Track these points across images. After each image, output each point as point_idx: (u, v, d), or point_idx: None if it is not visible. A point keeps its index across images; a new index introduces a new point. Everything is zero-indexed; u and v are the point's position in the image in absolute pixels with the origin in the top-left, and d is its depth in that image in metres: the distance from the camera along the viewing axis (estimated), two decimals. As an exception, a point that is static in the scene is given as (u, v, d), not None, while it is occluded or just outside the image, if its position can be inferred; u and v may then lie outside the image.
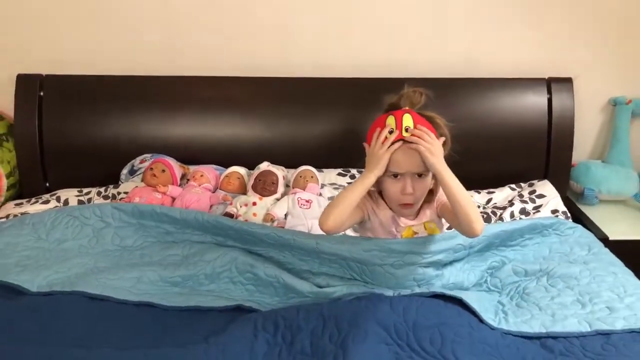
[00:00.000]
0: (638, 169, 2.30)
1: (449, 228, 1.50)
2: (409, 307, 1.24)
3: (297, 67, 2.21)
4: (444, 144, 1.33)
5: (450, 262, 1.45)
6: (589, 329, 1.25)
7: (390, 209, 1.41)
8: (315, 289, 1.39)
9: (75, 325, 1.25)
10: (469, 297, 1.34)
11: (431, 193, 1.42)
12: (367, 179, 1.31)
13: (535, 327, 1.27)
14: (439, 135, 1.33)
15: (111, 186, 2.05)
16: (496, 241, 1.56)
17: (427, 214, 1.44)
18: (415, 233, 1.42)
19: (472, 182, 2.06)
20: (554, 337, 1.23)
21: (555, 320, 1.29)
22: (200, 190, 1.92)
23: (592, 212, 2.11)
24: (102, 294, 1.36)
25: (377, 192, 1.43)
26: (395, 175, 1.33)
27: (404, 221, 1.42)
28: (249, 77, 2.19)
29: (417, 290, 1.36)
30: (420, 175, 1.33)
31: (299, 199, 1.88)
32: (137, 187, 1.93)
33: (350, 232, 1.57)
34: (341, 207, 1.29)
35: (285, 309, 1.29)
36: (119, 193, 1.98)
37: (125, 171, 2.11)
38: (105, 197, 1.99)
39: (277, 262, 1.50)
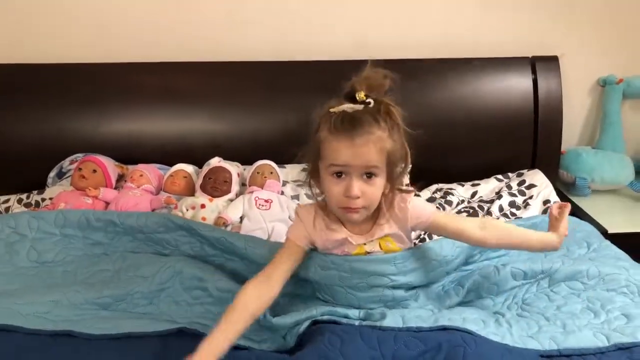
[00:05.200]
0: (632, 154, 2.17)
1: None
2: (385, 337, 1.06)
3: (252, 50, 2.02)
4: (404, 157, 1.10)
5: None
6: (607, 343, 1.09)
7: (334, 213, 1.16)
8: (269, 318, 1.17)
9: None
10: (468, 319, 1.14)
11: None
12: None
13: (544, 342, 1.09)
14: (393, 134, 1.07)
15: (35, 192, 1.84)
16: (475, 252, 1.40)
17: (384, 228, 1.16)
18: (368, 253, 1.17)
19: (453, 175, 1.95)
20: (568, 355, 1.07)
21: (566, 332, 1.12)
22: (140, 192, 1.73)
23: (585, 204, 1.98)
24: (6, 324, 1.15)
25: (321, 201, 1.17)
26: (339, 174, 1.06)
27: (355, 239, 1.16)
28: (196, 62, 2.00)
29: (386, 310, 1.16)
30: (370, 175, 1.06)
31: (257, 198, 1.67)
32: (63, 191, 1.73)
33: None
34: None
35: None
36: (43, 200, 1.80)
37: (52, 174, 1.90)
38: (27, 205, 1.79)
39: (231, 273, 1.35)
